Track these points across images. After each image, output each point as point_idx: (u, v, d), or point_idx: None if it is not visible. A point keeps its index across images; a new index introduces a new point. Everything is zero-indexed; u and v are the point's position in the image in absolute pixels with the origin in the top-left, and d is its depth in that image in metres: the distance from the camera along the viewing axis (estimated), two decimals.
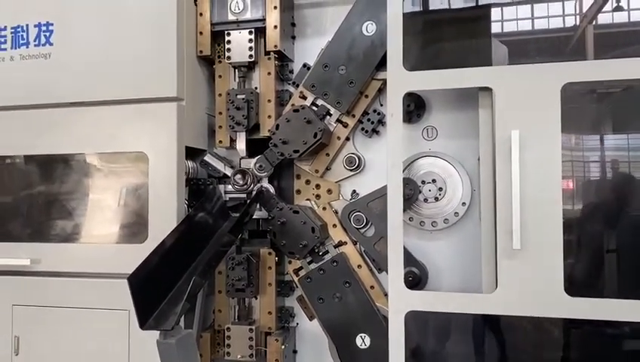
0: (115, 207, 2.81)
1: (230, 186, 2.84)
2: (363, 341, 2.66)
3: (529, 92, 2.23)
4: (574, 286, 2.20)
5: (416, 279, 2.67)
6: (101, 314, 2.70)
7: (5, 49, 2.92)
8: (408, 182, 2.69)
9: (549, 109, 2.20)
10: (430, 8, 2.79)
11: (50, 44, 2.84)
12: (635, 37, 2.61)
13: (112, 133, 2.76)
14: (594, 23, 2.76)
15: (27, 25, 2.88)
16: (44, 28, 2.86)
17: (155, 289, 2.15)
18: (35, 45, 2.86)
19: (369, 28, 2.68)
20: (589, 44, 2.72)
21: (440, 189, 2.71)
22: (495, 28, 3.01)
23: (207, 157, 2.85)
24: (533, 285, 2.20)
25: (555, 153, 2.19)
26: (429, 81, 2.39)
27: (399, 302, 2.35)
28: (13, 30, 2.91)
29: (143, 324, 2.01)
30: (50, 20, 2.84)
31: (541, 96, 2.21)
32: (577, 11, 2.81)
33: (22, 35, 2.89)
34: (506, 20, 3.15)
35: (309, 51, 2.97)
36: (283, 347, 2.75)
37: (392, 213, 2.37)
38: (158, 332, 2.07)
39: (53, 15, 2.84)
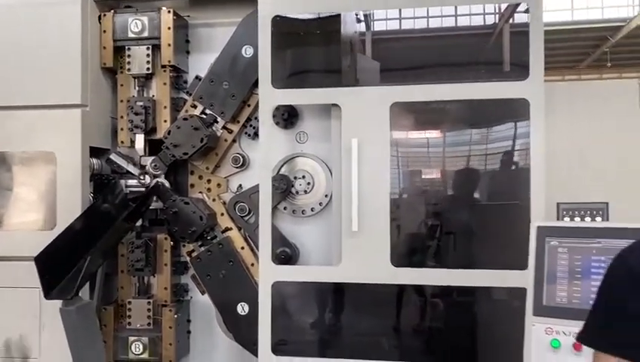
0: (27, 199, 3.21)
1: (131, 181, 3.30)
2: (243, 308, 3.21)
3: (366, 108, 2.85)
4: (399, 259, 2.85)
5: (287, 257, 3.22)
6: (16, 292, 3.11)
7: None
8: (283, 178, 3.23)
9: (381, 122, 2.83)
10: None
11: None
12: None
13: (24, 134, 3.16)
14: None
15: None
16: None
17: (59, 267, 2.61)
18: None
19: (247, 51, 3.20)
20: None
21: (309, 184, 3.27)
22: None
23: (113, 156, 3.28)
24: (367, 259, 2.83)
25: (384, 156, 2.82)
26: (292, 97, 2.98)
27: (267, 274, 2.93)
28: None
29: (47, 295, 2.47)
30: None
31: (375, 111, 2.84)
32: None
33: None
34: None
35: (203, 63, 3.43)
36: (176, 316, 3.26)
37: (263, 202, 2.95)
38: (62, 302, 2.55)
39: None
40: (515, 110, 2.82)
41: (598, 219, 2.76)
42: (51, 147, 3.12)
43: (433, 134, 3.15)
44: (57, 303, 2.71)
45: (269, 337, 2.88)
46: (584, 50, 15.26)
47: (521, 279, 2.61)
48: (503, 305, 2.91)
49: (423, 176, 3.13)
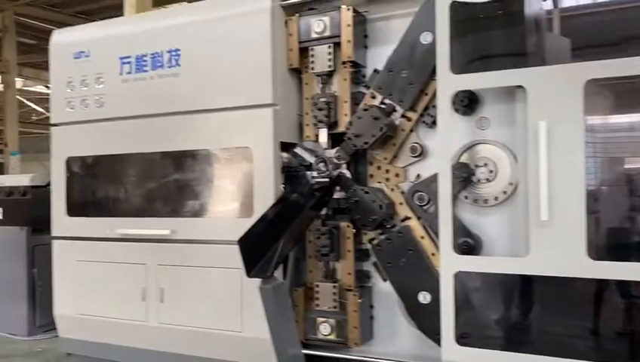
0: (229, 189, 3.62)
1: (316, 172, 3.52)
2: (424, 297, 3.22)
3: (556, 88, 2.65)
4: (597, 251, 2.60)
5: (470, 247, 3.15)
6: (221, 271, 3.54)
7: (147, 70, 3.84)
8: (463, 166, 3.16)
9: (573, 102, 2.60)
10: None
11: (179, 65, 3.71)
12: None
13: (225, 132, 3.58)
14: None
15: (162, 51, 3.77)
16: (174, 53, 3.73)
17: (257, 249, 2.90)
18: (168, 67, 3.75)
19: (426, 37, 3.19)
20: None
21: (491, 172, 3.14)
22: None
23: (297, 150, 3.55)
24: (559, 250, 2.63)
25: (577, 139, 2.59)
26: (472, 82, 2.89)
27: (448, 264, 2.89)
28: (152, 56, 3.82)
29: (249, 274, 2.77)
30: (178, 47, 3.70)
31: (566, 91, 2.62)
32: None
33: (158, 59, 3.79)
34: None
35: (381, 57, 3.50)
36: (360, 301, 3.39)
37: (443, 191, 2.92)
38: (260, 281, 2.83)
39: (181, 43, 3.70)
40: None
41: None
42: (248, 143, 3.48)
43: (635, 114, 2.81)
44: (256, 283, 3.02)
45: (453, 327, 2.85)
46: None
47: None
48: None
49: (623, 162, 2.81)
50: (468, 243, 3.15)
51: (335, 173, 3.46)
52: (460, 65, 2.93)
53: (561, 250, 2.62)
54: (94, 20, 4.56)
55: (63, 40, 4.25)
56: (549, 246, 2.65)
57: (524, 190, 2.82)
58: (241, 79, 3.50)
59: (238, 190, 3.56)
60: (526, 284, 2.96)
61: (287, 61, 3.56)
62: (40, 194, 5.40)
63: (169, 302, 3.75)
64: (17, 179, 5.94)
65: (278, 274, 3.21)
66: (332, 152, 3.48)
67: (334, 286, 3.43)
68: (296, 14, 3.54)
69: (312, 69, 3.51)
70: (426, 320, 3.17)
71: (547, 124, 2.63)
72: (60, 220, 4.20)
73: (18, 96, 13.88)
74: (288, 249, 3.05)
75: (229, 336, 3.53)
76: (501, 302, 3.12)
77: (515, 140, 3.01)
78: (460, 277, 2.93)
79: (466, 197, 3.19)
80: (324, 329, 3.43)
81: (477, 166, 3.17)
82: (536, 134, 2.66)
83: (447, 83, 2.89)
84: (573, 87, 2.59)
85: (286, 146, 3.56)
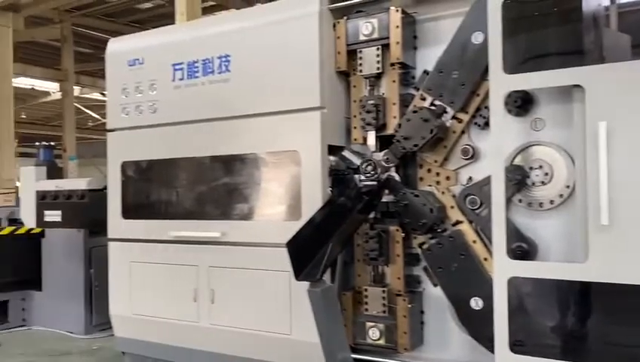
0: (277, 193, 3.65)
1: (363, 176, 3.49)
2: (477, 303, 3.14)
3: (616, 87, 2.53)
4: None
5: (524, 252, 3.05)
6: (269, 274, 3.57)
7: (198, 76, 3.92)
8: (517, 169, 3.07)
9: (634, 101, 2.49)
10: None
11: (229, 71, 3.77)
12: None
13: (273, 136, 3.61)
14: None
15: (212, 57, 3.84)
16: (224, 59, 3.79)
17: (305, 253, 2.90)
18: (219, 73, 3.82)
19: (478, 37, 3.12)
20: None
21: (546, 174, 3.04)
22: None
23: (345, 153, 3.53)
24: (621, 256, 2.51)
25: None
26: (526, 81, 2.80)
27: (502, 270, 2.81)
28: (203, 62, 3.90)
29: (298, 277, 2.78)
30: (228, 53, 3.76)
31: (627, 89, 2.50)
32: None
33: (209, 65, 3.87)
34: None
35: (430, 58, 3.45)
36: (410, 306, 3.34)
37: (496, 194, 2.84)
38: (309, 284, 2.83)
39: (230, 49, 3.76)
40: None
41: None
42: (296, 146, 3.50)
43: None
44: (305, 286, 3.02)
45: (507, 334, 2.76)
46: None
47: None
48: None
49: None
50: (522, 248, 3.06)
51: (384, 176, 3.43)
52: (513, 65, 2.84)
53: (622, 256, 2.50)
54: (147, 29, 4.71)
55: (118, 48, 4.41)
56: (609, 252, 2.53)
57: (582, 193, 2.71)
58: (290, 83, 3.53)
59: (286, 193, 3.58)
60: (583, 291, 2.84)
61: (335, 64, 3.55)
62: (96, 197, 5.63)
63: (219, 303, 3.81)
64: (75, 183, 6.21)
65: (326, 277, 3.20)
66: (380, 155, 3.45)
67: (383, 291, 3.39)
68: (344, 17, 3.54)
69: (361, 71, 3.49)
70: (479, 327, 3.09)
71: (607, 125, 2.52)
72: (116, 223, 4.35)
73: (75, 103, 14.47)
74: (336, 252, 3.04)
75: (277, 339, 3.56)
76: (557, 308, 3.00)
77: (572, 141, 2.90)
78: (514, 283, 2.85)
79: (520, 201, 3.10)
80: (373, 334, 3.40)
81: (531, 168, 3.07)
82: (596, 135, 2.55)
83: (500, 83, 2.81)
84: (635, 86, 2.47)
85: (334, 149, 3.55)
